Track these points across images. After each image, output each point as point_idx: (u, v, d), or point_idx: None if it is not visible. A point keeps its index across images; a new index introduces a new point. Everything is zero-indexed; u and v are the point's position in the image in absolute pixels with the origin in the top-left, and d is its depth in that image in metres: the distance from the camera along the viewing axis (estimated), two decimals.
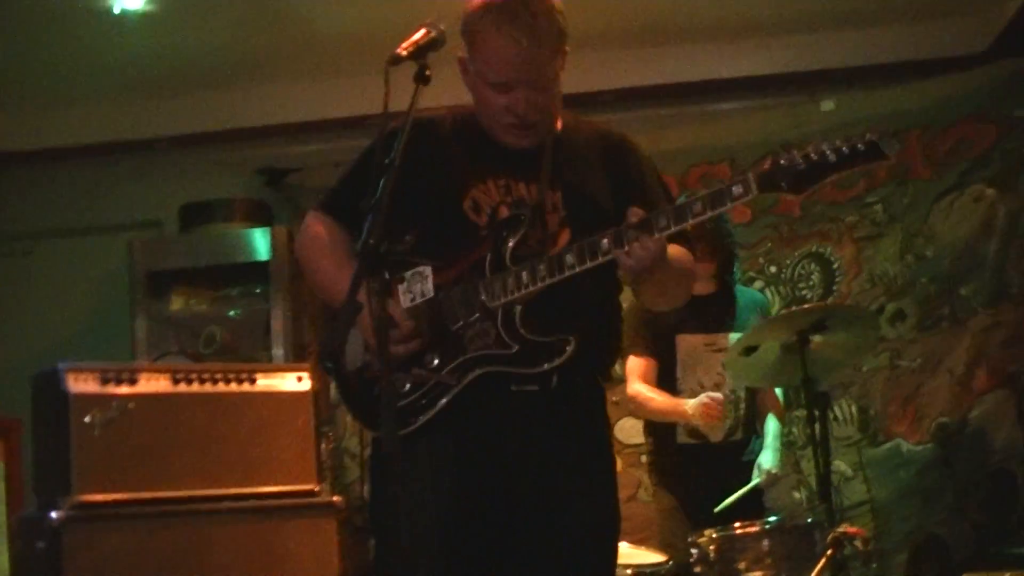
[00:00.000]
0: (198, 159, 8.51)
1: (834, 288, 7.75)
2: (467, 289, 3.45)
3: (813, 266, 7.80)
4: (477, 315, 3.43)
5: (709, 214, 3.29)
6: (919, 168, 7.78)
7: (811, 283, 7.78)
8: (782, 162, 3.25)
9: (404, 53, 3.28)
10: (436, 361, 3.45)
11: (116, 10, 7.03)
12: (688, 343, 6.12)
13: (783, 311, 6.70)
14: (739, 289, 6.34)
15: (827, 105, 7.90)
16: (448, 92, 3.55)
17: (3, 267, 8.75)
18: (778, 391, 6.28)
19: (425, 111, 3.46)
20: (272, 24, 7.32)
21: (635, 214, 3.29)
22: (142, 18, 7.17)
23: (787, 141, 7.65)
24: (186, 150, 8.45)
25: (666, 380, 6.15)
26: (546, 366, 3.40)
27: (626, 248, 3.26)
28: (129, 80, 8.01)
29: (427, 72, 3.28)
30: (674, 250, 3.47)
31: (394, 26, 3.35)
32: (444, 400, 3.43)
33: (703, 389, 6.01)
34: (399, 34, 3.35)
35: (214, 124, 8.28)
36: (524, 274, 3.37)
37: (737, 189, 3.24)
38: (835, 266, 7.76)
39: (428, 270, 3.48)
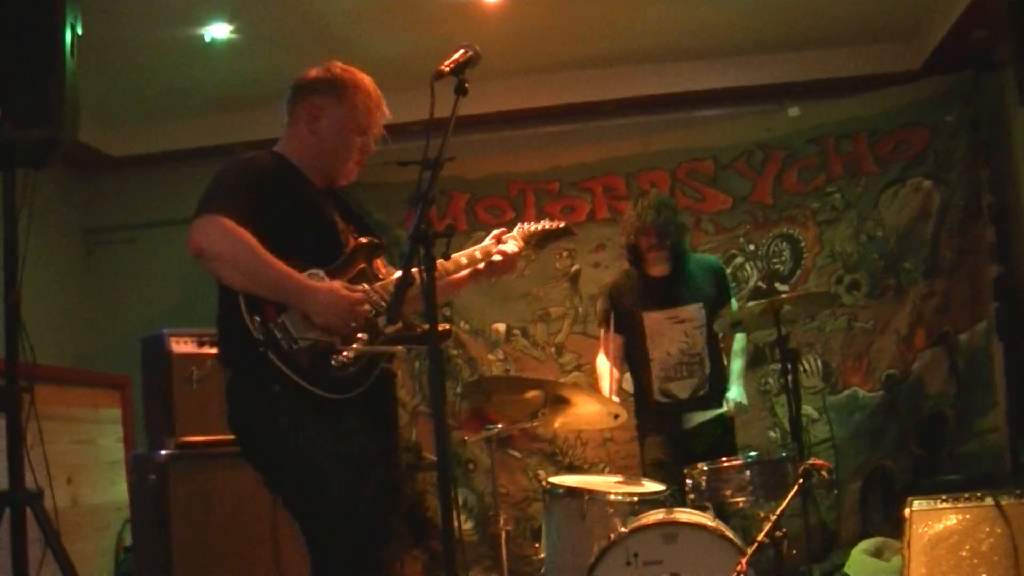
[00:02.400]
0: None
1: (801, 262, 7.76)
2: (377, 289, 3.77)
3: (784, 244, 7.80)
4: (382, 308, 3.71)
5: None
6: (868, 164, 7.80)
7: (783, 259, 7.79)
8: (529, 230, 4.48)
9: (446, 69, 3.30)
10: (365, 338, 3.65)
11: (207, 39, 7.08)
12: (652, 319, 6.16)
13: (761, 296, 6.68)
14: (693, 258, 6.35)
15: (793, 112, 7.93)
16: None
17: (114, 253, 8.80)
18: (738, 345, 6.30)
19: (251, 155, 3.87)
20: (329, 49, 7.15)
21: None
22: (226, 46, 7.21)
23: (760, 142, 7.75)
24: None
25: (639, 351, 6.20)
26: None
27: None
28: (214, 96, 8.05)
29: (466, 85, 3.28)
30: None
31: (427, 51, 3.37)
32: (380, 367, 3.74)
33: (669, 356, 6.12)
34: (432, 56, 3.37)
35: (280, 132, 8.21)
36: (400, 284, 3.45)
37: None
38: (801, 245, 7.77)
39: (322, 272, 3.71)
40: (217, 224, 3.58)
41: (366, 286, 3.72)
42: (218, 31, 7.00)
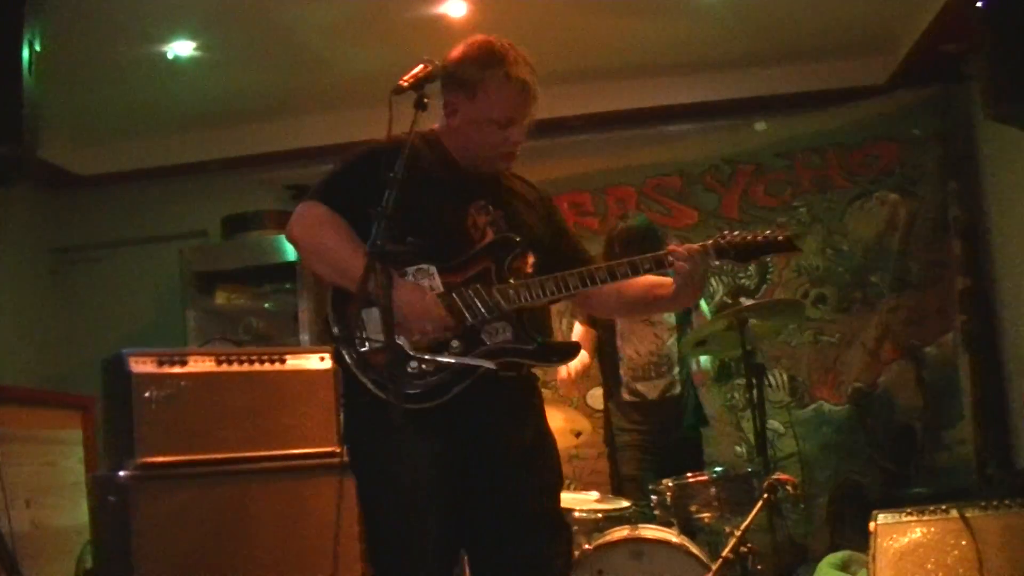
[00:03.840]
0: (237, 178, 8.51)
1: (768, 277, 7.76)
2: (480, 292, 3.46)
3: None
4: (496, 314, 3.45)
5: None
6: (837, 178, 7.82)
7: (749, 273, 7.80)
8: (726, 237, 3.57)
9: (406, 84, 3.26)
10: (458, 346, 3.41)
11: (170, 56, 7.02)
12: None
13: (727, 308, 6.64)
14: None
15: (760, 126, 7.96)
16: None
17: (78, 273, 8.73)
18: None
19: (396, 137, 3.36)
20: (298, 66, 7.33)
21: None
22: (190, 63, 7.14)
23: (728, 156, 7.75)
24: (228, 171, 8.44)
25: (609, 348, 6.24)
26: (555, 360, 3.64)
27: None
28: (179, 114, 7.99)
29: (425, 100, 3.26)
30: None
31: (398, 66, 3.32)
32: (470, 380, 3.40)
33: (639, 356, 6.16)
34: (400, 73, 3.33)
35: (251, 149, 8.26)
36: (536, 289, 3.49)
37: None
38: (768, 259, 7.72)
39: (433, 269, 3.44)
40: (310, 211, 3.51)
41: (477, 287, 3.47)
42: (181, 48, 6.95)
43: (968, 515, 4.78)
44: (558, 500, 3.71)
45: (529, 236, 3.62)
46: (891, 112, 7.78)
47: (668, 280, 3.60)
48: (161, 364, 5.04)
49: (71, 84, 7.12)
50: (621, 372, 6.16)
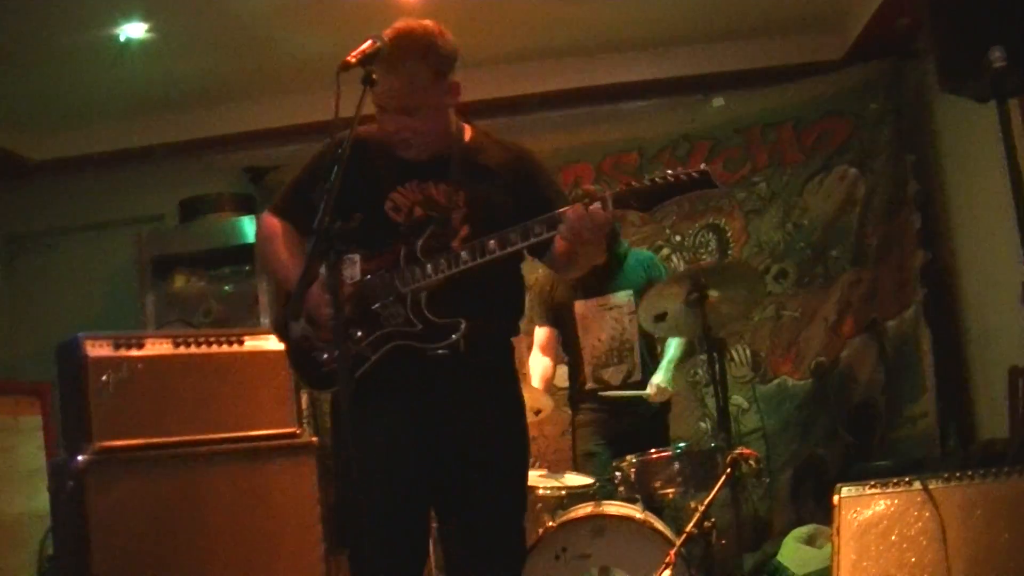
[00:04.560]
0: (193, 162, 8.42)
1: (728, 253, 7.77)
2: (384, 276, 3.48)
3: (710, 235, 7.82)
4: (391, 298, 3.47)
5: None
6: (793, 154, 7.84)
7: (709, 249, 7.80)
8: (631, 185, 3.31)
9: (353, 60, 3.22)
10: (359, 334, 3.48)
11: (121, 38, 6.92)
12: (583, 307, 6.16)
13: (684, 269, 6.63)
14: (632, 252, 6.37)
15: (718, 102, 7.95)
16: None
17: (32, 259, 8.65)
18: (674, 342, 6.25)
19: (367, 130, 3.50)
20: (251, 49, 7.26)
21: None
22: (143, 45, 7.05)
23: (685, 133, 7.73)
24: (183, 154, 8.34)
25: (571, 341, 6.21)
26: (444, 342, 3.47)
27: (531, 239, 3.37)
28: (133, 98, 7.88)
29: (373, 77, 3.21)
30: None
31: (346, 50, 3.27)
32: (366, 366, 3.48)
33: (600, 343, 6.12)
34: None
35: (206, 132, 8.19)
36: (429, 267, 3.43)
37: (597, 206, 3.27)
38: (728, 235, 7.79)
39: (357, 258, 3.47)
40: (261, 221, 3.80)
41: (383, 272, 3.50)
42: (134, 31, 6.85)
43: (931, 487, 4.77)
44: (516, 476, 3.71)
45: (475, 207, 3.57)
46: (846, 88, 7.79)
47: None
48: (117, 347, 4.98)
49: (22, 68, 7.05)
50: (585, 362, 6.13)
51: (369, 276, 3.49)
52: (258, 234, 3.79)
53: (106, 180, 8.52)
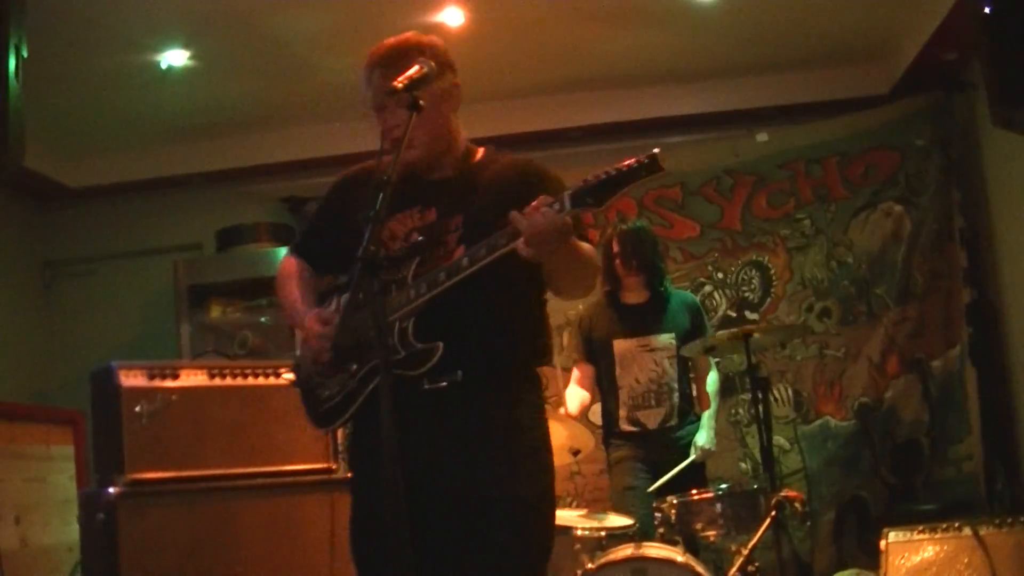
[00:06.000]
0: (231, 190, 8.43)
1: (771, 290, 7.66)
2: (376, 306, 3.24)
3: (753, 272, 7.72)
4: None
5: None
6: (838, 189, 7.74)
7: (752, 286, 7.71)
8: (586, 181, 3.06)
9: (400, 85, 3.14)
10: (354, 367, 3.34)
11: (163, 66, 6.94)
12: (623, 346, 6.07)
13: (729, 331, 6.46)
14: (675, 293, 6.28)
15: (762, 137, 7.86)
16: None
17: (70, 286, 8.65)
18: (711, 388, 6.14)
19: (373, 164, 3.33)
20: (292, 77, 7.26)
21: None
22: (184, 73, 7.06)
23: (729, 168, 7.67)
24: (222, 183, 8.37)
25: (607, 379, 6.11)
26: (422, 369, 3.26)
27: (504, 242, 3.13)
28: (173, 125, 7.90)
29: (420, 102, 3.13)
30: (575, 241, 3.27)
31: None
32: (360, 400, 3.34)
33: (638, 384, 6.01)
34: None
35: (245, 161, 8.20)
36: (412, 291, 3.27)
37: (556, 207, 3.05)
38: (771, 272, 7.70)
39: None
40: (282, 264, 3.72)
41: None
42: (175, 58, 6.86)
43: (981, 532, 4.68)
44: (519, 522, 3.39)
45: (471, 229, 3.35)
46: (892, 121, 7.71)
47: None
48: (151, 377, 4.92)
49: (63, 94, 7.07)
50: (621, 402, 6.04)
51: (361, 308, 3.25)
52: (277, 276, 3.72)
53: (144, 207, 8.54)
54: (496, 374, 3.38)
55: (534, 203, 3.07)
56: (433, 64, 3.28)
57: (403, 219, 3.43)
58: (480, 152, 3.60)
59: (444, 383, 3.28)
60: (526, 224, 3.04)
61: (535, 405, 3.53)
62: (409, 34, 3.53)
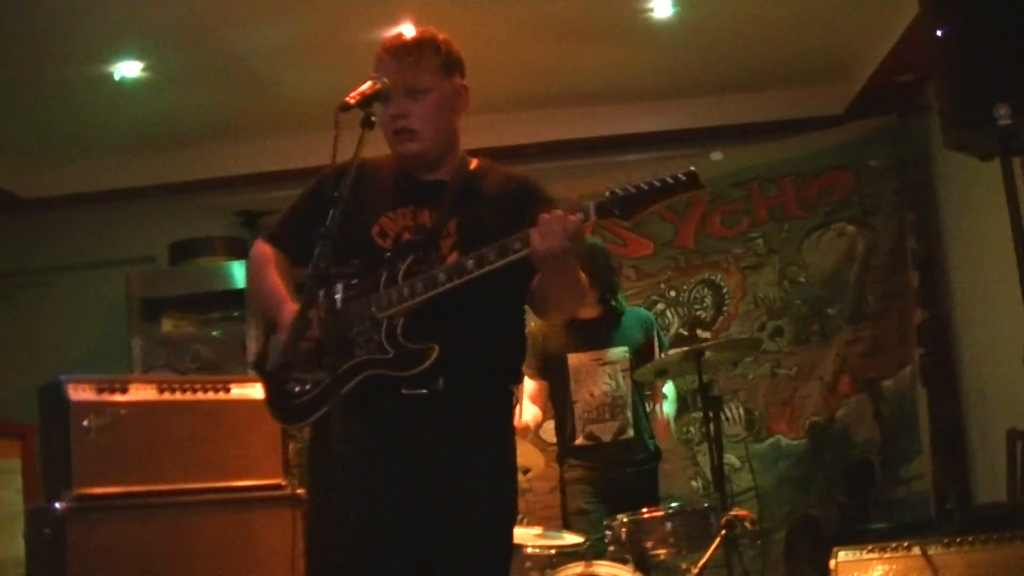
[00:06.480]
0: (186, 203, 8.38)
1: (724, 309, 7.70)
2: (362, 302, 3.30)
3: (706, 291, 7.76)
4: (367, 324, 3.28)
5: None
6: (793, 209, 7.78)
7: (705, 305, 7.74)
8: (616, 192, 3.13)
9: (352, 102, 3.13)
10: (329, 362, 3.16)
11: (116, 77, 6.90)
12: (577, 360, 6.02)
13: (682, 349, 6.47)
14: (629, 309, 6.27)
15: (716, 156, 7.89)
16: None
17: (21, 297, 8.61)
18: (668, 390, 6.16)
19: (370, 157, 3.37)
20: (247, 89, 7.24)
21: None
22: (138, 84, 7.02)
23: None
24: (176, 196, 8.33)
25: (561, 394, 6.07)
26: (416, 369, 3.24)
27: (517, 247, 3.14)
28: (127, 137, 7.87)
29: (372, 118, 3.13)
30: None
31: (347, 91, 3.19)
32: (336, 395, 3.13)
33: (593, 397, 5.97)
34: None
35: (199, 174, 8.16)
36: (406, 289, 3.24)
37: (580, 215, 3.09)
38: (724, 291, 7.73)
39: (339, 287, 3.16)
40: (254, 250, 3.65)
41: (361, 298, 3.34)
42: (129, 69, 6.83)
43: (930, 552, 4.70)
44: (482, 531, 3.42)
45: (465, 235, 3.38)
46: (847, 142, 7.77)
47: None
48: (100, 391, 4.88)
49: (16, 105, 7.04)
50: (576, 416, 6.02)
51: (348, 303, 3.26)
52: (250, 260, 3.65)
53: (97, 219, 8.49)
54: (477, 386, 3.39)
55: (557, 210, 3.09)
56: (387, 81, 3.28)
57: (396, 217, 3.43)
58: (476, 161, 3.61)
59: (424, 390, 3.27)
60: (550, 229, 3.06)
61: (510, 422, 3.57)
62: (426, 29, 3.54)
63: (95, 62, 6.75)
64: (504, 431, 3.54)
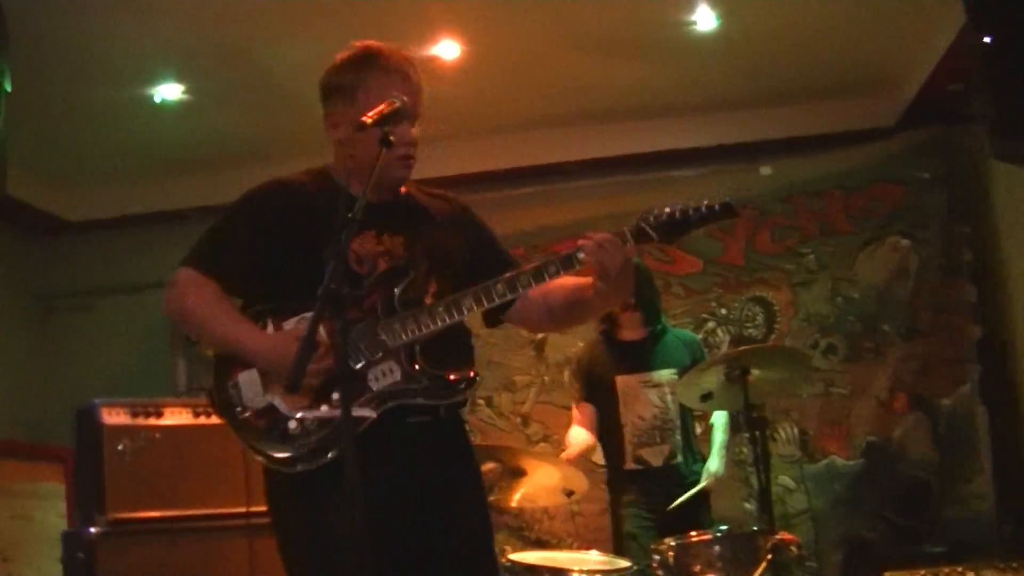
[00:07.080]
0: None
1: (775, 327, 7.61)
2: (366, 331, 3.18)
3: (757, 308, 7.68)
4: (380, 354, 3.17)
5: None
6: (842, 223, 7.69)
7: (756, 323, 7.66)
8: (652, 219, 3.15)
9: (369, 121, 3.08)
10: (338, 397, 3.07)
11: (157, 100, 6.97)
12: (625, 382, 5.98)
13: (726, 351, 6.44)
14: (672, 331, 6.22)
15: (765, 171, 7.83)
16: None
17: (65, 320, 8.64)
18: (717, 420, 6.09)
19: (283, 177, 3.44)
20: (285, 110, 7.21)
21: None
22: (178, 106, 7.10)
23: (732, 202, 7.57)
24: (215, 218, 8.27)
25: (611, 416, 6.01)
26: (455, 398, 3.24)
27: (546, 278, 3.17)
28: (170, 159, 7.93)
29: (390, 138, 3.08)
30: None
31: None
32: (362, 428, 3.10)
33: (642, 420, 5.93)
34: None
35: (236, 195, 8.12)
36: (423, 317, 3.18)
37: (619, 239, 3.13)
38: (775, 308, 7.65)
39: (308, 316, 3.00)
40: (179, 277, 3.31)
41: (361, 327, 3.21)
42: (169, 91, 6.90)
43: (984, 575, 4.60)
44: (487, 549, 3.43)
45: (434, 259, 3.35)
46: (895, 154, 7.69)
47: (590, 280, 3.25)
48: (135, 415, 4.91)
49: (59, 128, 7.14)
50: (626, 440, 5.97)
51: (346, 331, 3.00)
52: (181, 285, 3.30)
53: (141, 241, 8.52)
54: (458, 411, 3.39)
55: (602, 235, 3.11)
56: (406, 100, 3.21)
57: (363, 241, 3.31)
58: None
59: (429, 417, 3.23)
60: (602, 252, 3.10)
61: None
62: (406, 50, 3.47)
63: (135, 84, 6.81)
64: (473, 449, 3.54)
